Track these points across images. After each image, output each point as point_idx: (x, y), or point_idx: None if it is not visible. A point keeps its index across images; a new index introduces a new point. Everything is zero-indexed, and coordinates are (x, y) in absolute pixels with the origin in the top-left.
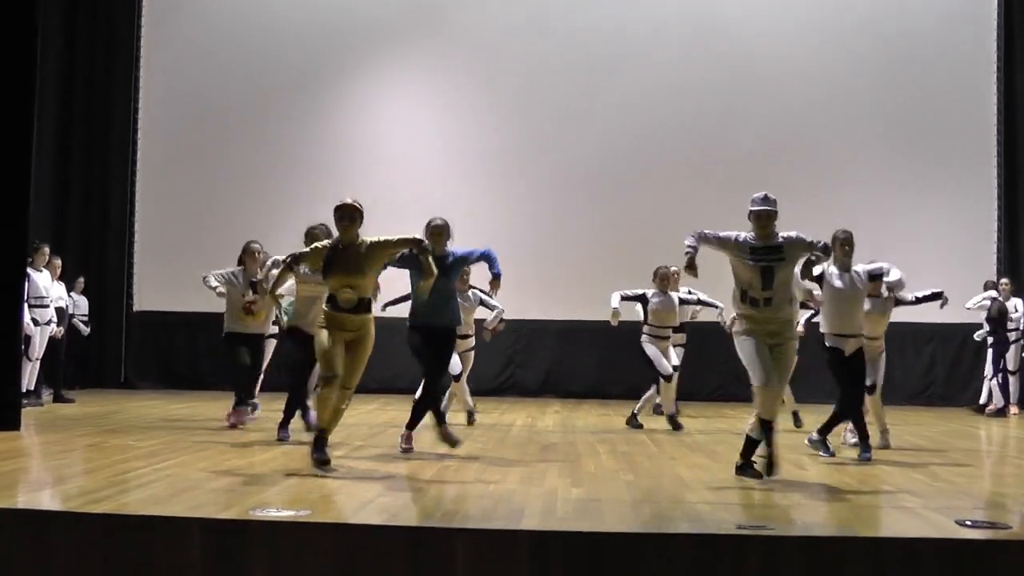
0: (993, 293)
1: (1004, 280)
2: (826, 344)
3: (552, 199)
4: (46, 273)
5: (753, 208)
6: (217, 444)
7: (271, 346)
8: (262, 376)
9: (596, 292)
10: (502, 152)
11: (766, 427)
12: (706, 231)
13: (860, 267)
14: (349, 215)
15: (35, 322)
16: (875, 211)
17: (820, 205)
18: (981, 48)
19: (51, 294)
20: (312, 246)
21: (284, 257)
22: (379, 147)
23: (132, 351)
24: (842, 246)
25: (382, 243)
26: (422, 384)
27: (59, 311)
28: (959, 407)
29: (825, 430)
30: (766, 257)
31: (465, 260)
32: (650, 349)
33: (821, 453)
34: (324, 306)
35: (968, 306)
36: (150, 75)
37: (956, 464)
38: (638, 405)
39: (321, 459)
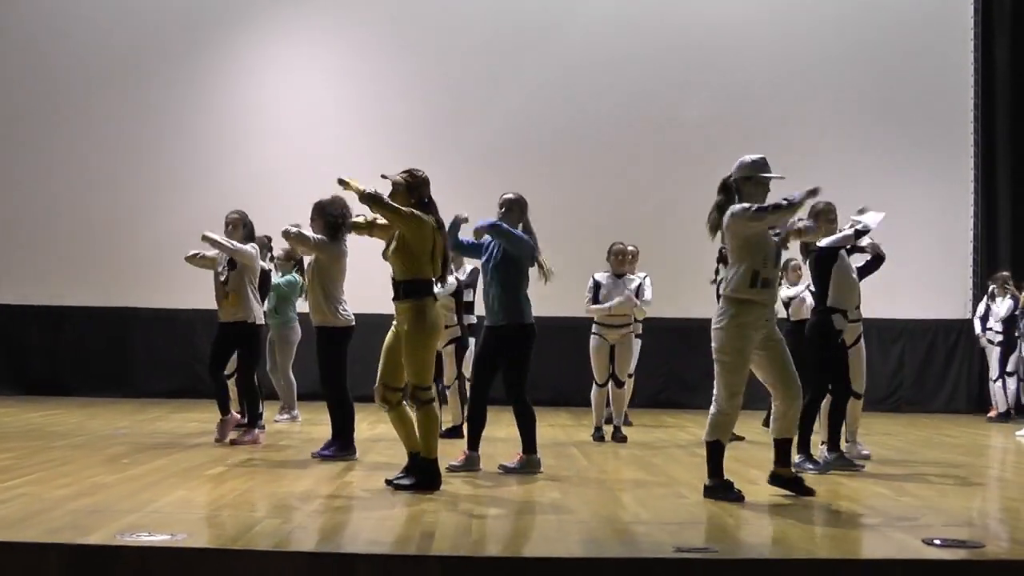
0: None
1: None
2: (831, 323)
3: (476, 176)
4: None
5: (761, 175)
6: (81, 458)
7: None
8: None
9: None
10: (419, 123)
11: (719, 448)
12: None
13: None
14: (392, 189)
15: None
16: (844, 192)
17: (783, 185)
18: (957, 21)
19: None
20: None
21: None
22: (271, 116)
23: None
24: (828, 221)
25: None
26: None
27: None
28: (930, 413)
29: (835, 441)
30: (776, 231)
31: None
32: (593, 348)
33: (851, 468)
34: None
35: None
36: None
37: (924, 477)
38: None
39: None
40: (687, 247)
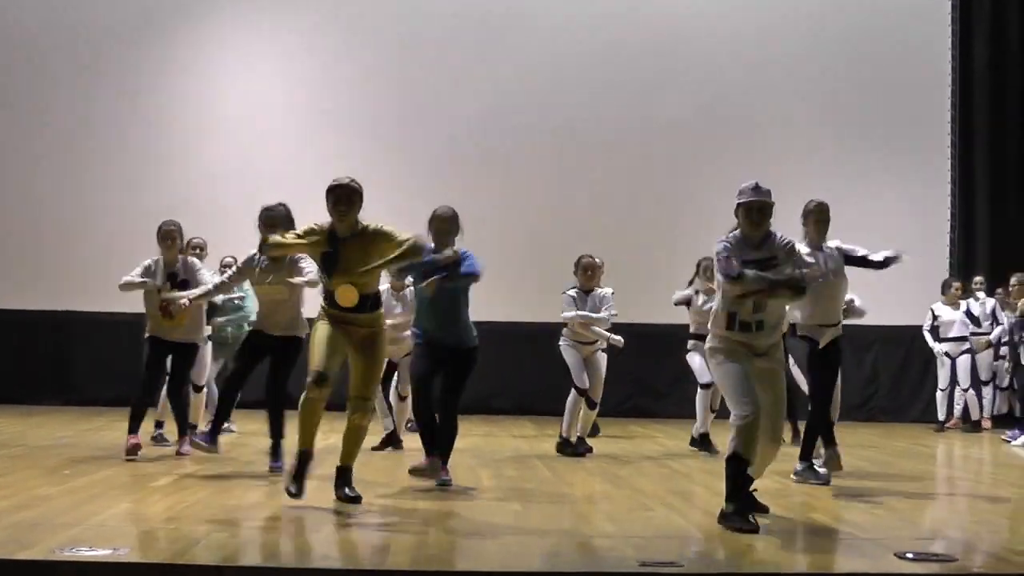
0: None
1: (978, 279)
2: (796, 333)
3: (429, 181)
4: None
5: (741, 200)
6: (21, 469)
7: (205, 357)
8: (204, 392)
9: (485, 286)
10: (372, 123)
11: (740, 466)
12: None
13: (835, 243)
14: (347, 198)
15: None
16: (818, 194)
17: (781, 213)
18: (936, 18)
19: None
20: (303, 231)
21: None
22: (219, 115)
23: None
24: (816, 222)
25: (387, 234)
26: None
27: None
28: (906, 422)
29: (807, 453)
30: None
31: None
32: (569, 357)
33: (811, 481)
34: (322, 303)
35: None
36: None
37: (899, 489)
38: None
39: (348, 496)
40: (656, 250)
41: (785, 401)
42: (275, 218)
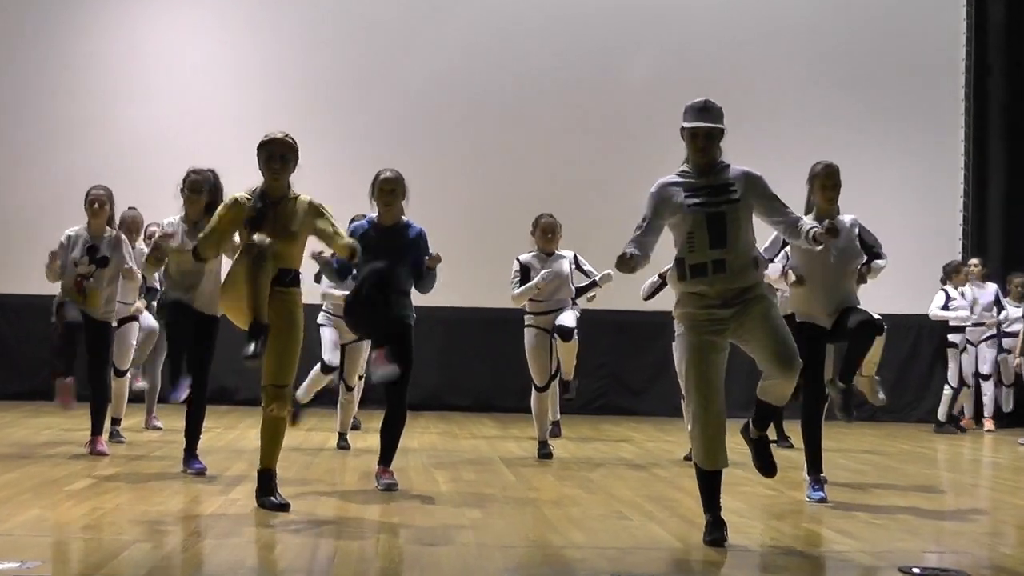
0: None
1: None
2: (795, 320)
3: (388, 143)
4: None
5: (686, 124)
6: None
7: (130, 337)
8: (126, 378)
9: (442, 268)
10: (322, 84)
11: (704, 478)
12: (640, 226)
13: (847, 217)
14: (280, 155)
15: None
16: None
17: (740, 157)
18: None
19: None
20: (228, 202)
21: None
22: (145, 75)
23: None
24: (823, 187)
25: (322, 213)
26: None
27: None
28: (911, 423)
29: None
30: (712, 198)
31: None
32: (529, 341)
33: (810, 495)
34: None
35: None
36: None
37: (903, 497)
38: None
39: (273, 504)
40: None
41: (786, 328)
42: (200, 184)
